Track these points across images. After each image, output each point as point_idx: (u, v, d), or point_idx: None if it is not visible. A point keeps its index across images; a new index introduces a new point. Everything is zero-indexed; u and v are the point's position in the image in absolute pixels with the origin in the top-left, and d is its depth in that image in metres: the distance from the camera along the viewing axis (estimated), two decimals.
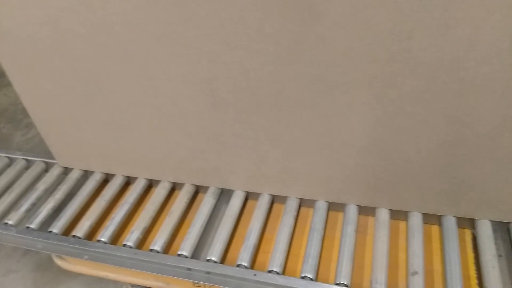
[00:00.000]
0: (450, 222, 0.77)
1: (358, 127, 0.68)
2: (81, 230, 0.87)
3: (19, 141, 1.92)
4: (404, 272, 0.74)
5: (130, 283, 1.08)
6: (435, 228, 0.81)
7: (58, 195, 0.96)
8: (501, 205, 0.73)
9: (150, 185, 0.99)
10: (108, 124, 0.86)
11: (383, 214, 0.80)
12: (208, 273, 0.75)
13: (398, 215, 0.81)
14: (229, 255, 0.82)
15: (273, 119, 0.72)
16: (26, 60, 0.79)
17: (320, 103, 0.67)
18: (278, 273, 0.73)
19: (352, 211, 0.82)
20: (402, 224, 0.83)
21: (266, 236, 0.85)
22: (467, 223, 0.79)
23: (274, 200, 0.91)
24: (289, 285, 0.71)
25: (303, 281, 0.71)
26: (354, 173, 0.76)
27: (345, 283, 0.70)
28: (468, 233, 0.80)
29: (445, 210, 0.77)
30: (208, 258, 0.77)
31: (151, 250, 0.81)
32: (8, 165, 1.09)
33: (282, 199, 0.88)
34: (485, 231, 0.75)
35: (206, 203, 0.89)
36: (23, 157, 1.09)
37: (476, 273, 0.73)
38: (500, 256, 0.74)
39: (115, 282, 1.20)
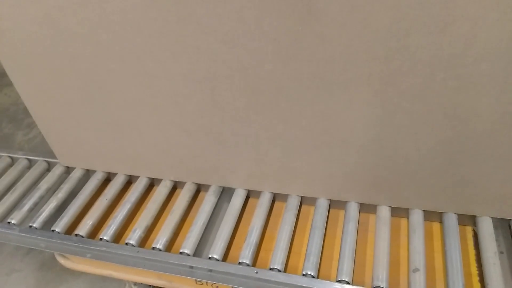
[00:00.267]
0: (451, 219, 0.77)
1: (357, 124, 0.69)
2: (83, 229, 0.87)
3: (20, 141, 1.92)
4: (405, 269, 0.75)
5: (132, 282, 1.09)
6: (436, 225, 0.81)
7: (61, 194, 0.96)
8: (501, 201, 0.73)
9: (152, 184, 1.00)
10: (108, 123, 0.86)
11: (384, 212, 0.80)
12: (210, 270, 0.76)
13: (399, 212, 0.82)
14: (231, 253, 0.82)
15: (273, 117, 0.73)
16: (26, 60, 0.79)
17: (319, 101, 0.67)
18: (280, 271, 0.74)
19: (353, 208, 0.82)
20: (403, 222, 0.83)
21: (268, 234, 0.85)
22: (468, 220, 0.79)
23: (275, 198, 0.91)
24: (291, 283, 0.71)
25: (305, 278, 0.72)
26: (354, 171, 0.76)
27: (347, 280, 0.70)
28: (469, 230, 0.80)
29: (445, 207, 0.77)
30: (210, 256, 0.78)
31: (154, 248, 0.81)
32: (10, 165, 1.10)
33: (283, 197, 0.89)
34: (486, 228, 0.75)
35: (208, 201, 0.89)
36: (25, 156, 1.10)
37: (477, 270, 0.73)
38: (501, 252, 0.74)
39: (118, 280, 1.20)
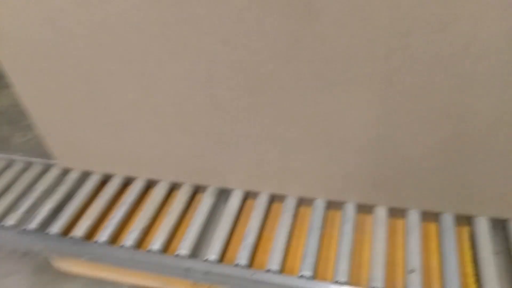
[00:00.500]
0: (447, 220, 0.77)
1: (357, 124, 0.69)
2: (80, 230, 0.87)
3: (18, 142, 1.91)
4: (402, 269, 0.75)
5: (129, 284, 1.09)
6: (432, 226, 0.81)
7: (57, 196, 0.96)
8: (498, 202, 0.73)
9: (149, 185, 0.99)
10: (107, 124, 0.86)
11: (381, 212, 0.81)
12: (207, 272, 0.76)
13: (396, 213, 0.82)
14: (228, 254, 0.82)
15: (272, 117, 0.73)
16: (26, 61, 0.79)
17: (319, 101, 0.68)
18: (276, 272, 0.74)
19: (350, 209, 0.82)
20: (399, 222, 0.83)
21: (265, 235, 0.85)
22: (465, 220, 0.79)
23: (273, 199, 0.91)
24: (288, 284, 0.71)
25: (301, 279, 0.72)
26: (352, 171, 0.77)
27: (344, 281, 0.70)
28: (465, 231, 0.80)
29: (442, 207, 0.78)
30: (207, 257, 0.78)
31: (150, 250, 0.81)
32: (7, 166, 1.09)
33: (281, 198, 0.89)
34: (483, 228, 0.75)
35: (205, 202, 0.89)
36: (22, 158, 1.09)
37: (474, 270, 0.73)
38: (497, 253, 0.74)
39: (114, 283, 1.20)
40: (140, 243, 0.86)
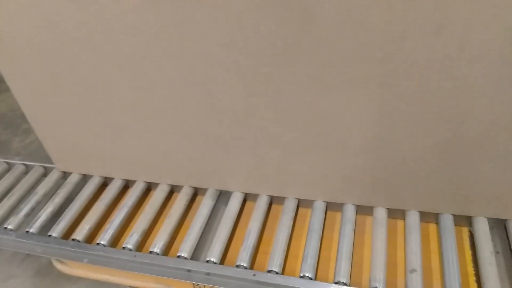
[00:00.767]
0: (447, 220, 0.78)
1: (354, 127, 0.69)
2: (80, 233, 0.87)
3: (17, 147, 1.92)
4: (402, 270, 0.75)
5: (130, 286, 1.09)
6: (432, 227, 0.82)
7: (57, 199, 0.96)
8: (497, 202, 0.73)
9: (149, 188, 1.00)
10: (106, 128, 0.86)
11: (381, 213, 0.81)
12: (208, 274, 0.76)
13: (395, 214, 0.82)
14: (229, 256, 0.82)
15: (270, 120, 0.73)
16: (24, 64, 0.79)
17: (316, 104, 0.68)
18: (277, 273, 0.74)
19: (350, 210, 0.82)
20: (399, 223, 0.83)
21: (265, 237, 0.85)
22: (464, 220, 0.79)
23: (272, 201, 0.91)
24: (289, 285, 0.71)
25: (302, 280, 0.72)
26: (351, 173, 0.77)
27: (344, 281, 0.70)
28: (465, 231, 0.80)
29: (442, 208, 0.78)
30: (207, 259, 0.78)
31: (151, 252, 0.81)
32: (7, 170, 1.09)
33: (280, 200, 0.89)
34: (482, 228, 0.76)
35: (205, 205, 0.89)
36: (22, 162, 1.09)
37: (474, 270, 0.74)
38: (497, 252, 0.75)
39: (115, 285, 1.20)
40: (141, 245, 0.87)
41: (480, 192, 0.73)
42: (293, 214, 0.85)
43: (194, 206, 0.94)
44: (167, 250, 0.84)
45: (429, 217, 0.81)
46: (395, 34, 0.56)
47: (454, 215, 0.78)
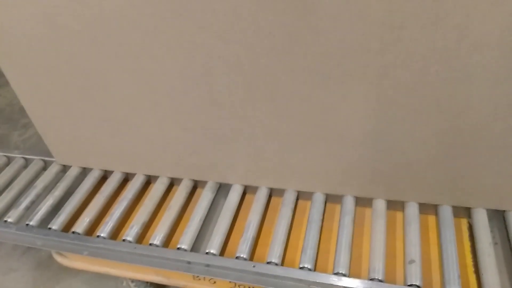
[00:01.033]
0: (446, 212, 0.78)
1: (353, 118, 0.69)
2: (80, 226, 0.87)
3: (16, 141, 1.91)
4: (401, 261, 0.75)
5: (130, 279, 1.09)
6: (431, 218, 0.82)
7: (57, 192, 0.96)
8: (496, 193, 0.74)
9: (149, 181, 1.00)
10: (105, 121, 0.86)
11: (380, 205, 0.81)
12: (208, 265, 0.76)
13: (394, 205, 0.82)
14: (228, 247, 0.83)
15: (269, 112, 0.73)
16: (23, 58, 0.79)
17: (315, 95, 0.68)
18: (277, 264, 0.74)
19: (349, 202, 0.82)
20: (398, 215, 0.83)
21: (265, 229, 0.86)
22: (463, 212, 0.80)
23: (272, 193, 0.91)
24: (288, 276, 0.72)
25: (302, 271, 0.72)
26: (350, 165, 0.77)
27: (344, 272, 0.71)
28: (464, 222, 0.80)
29: (441, 200, 0.78)
30: (207, 251, 0.78)
31: (151, 244, 0.82)
32: (6, 164, 1.09)
33: (280, 192, 0.89)
34: (481, 219, 0.76)
35: (205, 197, 0.90)
36: (22, 155, 1.09)
37: (473, 261, 0.74)
38: (495, 244, 0.75)
39: (115, 278, 1.20)
40: (141, 237, 0.87)
41: (479, 183, 0.73)
42: (292, 206, 0.85)
43: (194, 198, 0.95)
44: (167, 242, 0.85)
45: (428, 208, 0.81)
46: (394, 24, 0.56)
47: (453, 207, 0.78)
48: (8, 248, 1.41)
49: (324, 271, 0.74)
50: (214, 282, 0.82)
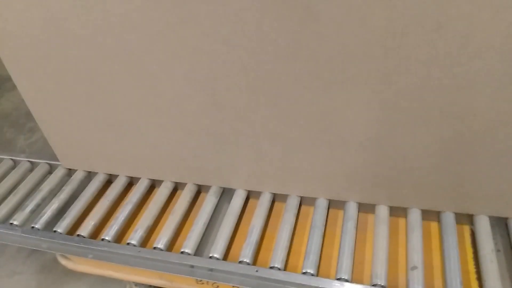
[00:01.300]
0: (448, 218, 0.78)
1: (356, 124, 0.70)
2: (85, 229, 0.88)
3: (22, 145, 1.93)
4: (403, 267, 0.75)
5: (134, 282, 1.10)
6: (434, 225, 0.82)
7: (62, 195, 0.97)
8: (498, 200, 0.74)
9: (153, 185, 1.01)
10: (110, 125, 0.87)
11: (383, 211, 0.81)
12: (211, 270, 0.77)
13: (397, 211, 0.82)
14: (232, 252, 0.83)
15: (273, 117, 0.74)
16: (29, 62, 0.80)
17: (318, 101, 0.69)
18: (280, 269, 0.74)
19: (352, 208, 0.83)
20: (401, 221, 0.84)
21: (268, 234, 0.86)
22: (466, 219, 0.80)
23: (275, 198, 0.92)
24: (291, 281, 0.72)
25: (304, 276, 0.72)
26: (353, 170, 0.77)
27: (346, 278, 0.71)
28: (466, 229, 0.80)
29: (443, 206, 0.78)
30: (211, 255, 0.79)
31: (155, 248, 0.82)
32: (12, 167, 1.11)
33: (283, 198, 0.89)
34: (484, 226, 0.76)
35: (208, 201, 0.90)
36: (28, 159, 1.11)
37: (475, 268, 0.74)
38: (498, 250, 0.75)
39: (119, 281, 1.21)
40: (145, 241, 0.87)
41: (482, 190, 0.73)
42: (295, 212, 0.86)
43: (197, 203, 0.95)
44: (171, 246, 0.85)
45: (430, 215, 0.81)
46: (396, 30, 0.56)
47: (455, 213, 0.78)
48: (13, 251, 1.42)
49: (327, 276, 0.74)
50: (217, 286, 0.83)
